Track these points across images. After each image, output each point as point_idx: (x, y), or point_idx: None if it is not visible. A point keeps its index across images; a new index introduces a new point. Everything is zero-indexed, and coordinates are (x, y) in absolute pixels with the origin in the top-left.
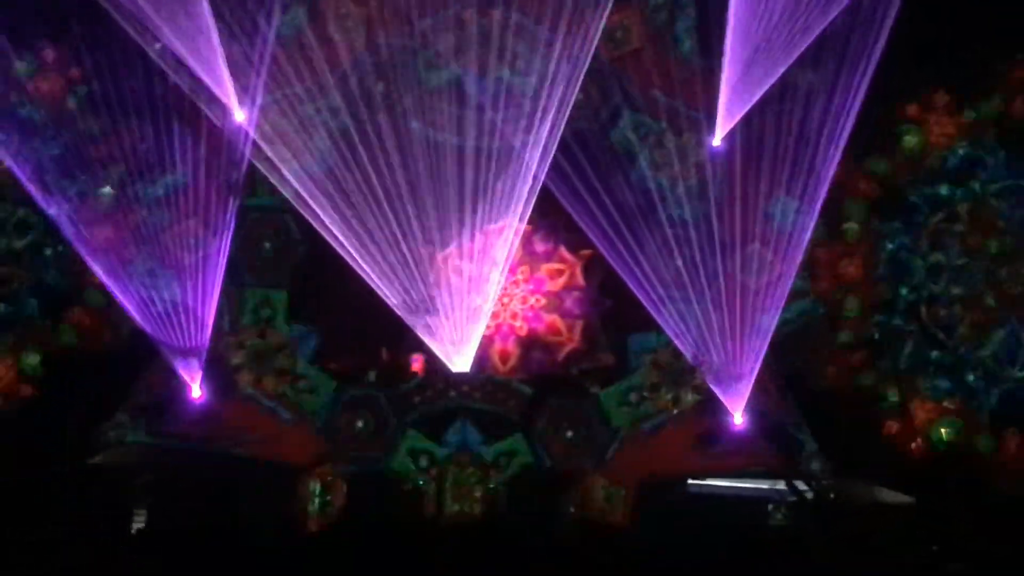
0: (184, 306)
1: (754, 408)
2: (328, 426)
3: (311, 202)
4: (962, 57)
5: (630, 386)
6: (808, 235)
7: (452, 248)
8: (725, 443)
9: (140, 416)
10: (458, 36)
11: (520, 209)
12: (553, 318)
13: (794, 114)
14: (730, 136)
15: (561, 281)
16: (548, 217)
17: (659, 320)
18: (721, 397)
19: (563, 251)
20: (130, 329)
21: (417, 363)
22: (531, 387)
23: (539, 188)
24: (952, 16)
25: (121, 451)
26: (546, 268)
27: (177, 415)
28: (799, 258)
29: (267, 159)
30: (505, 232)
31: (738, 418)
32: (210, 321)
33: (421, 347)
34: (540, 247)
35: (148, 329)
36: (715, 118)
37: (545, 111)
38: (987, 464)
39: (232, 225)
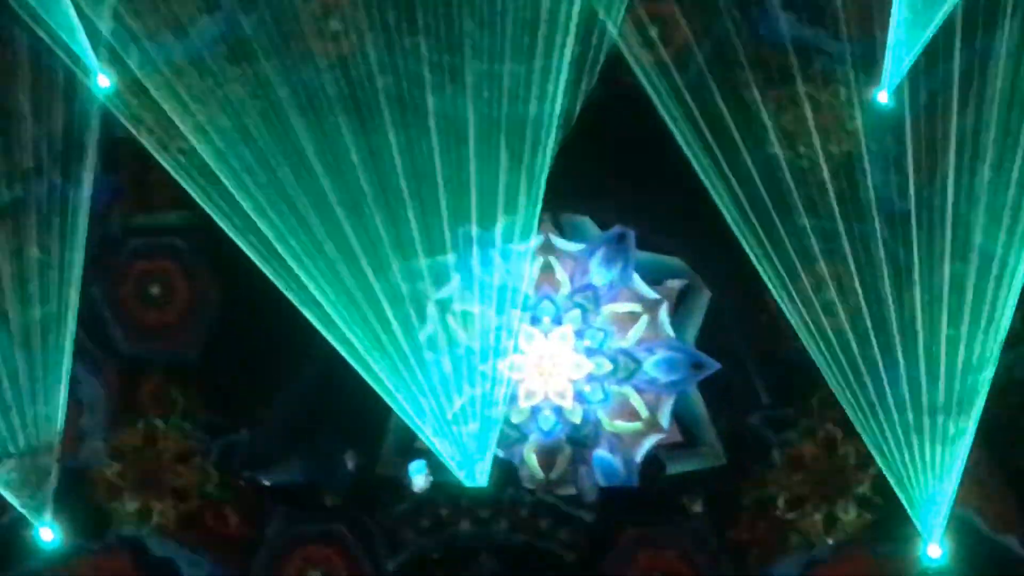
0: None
1: (960, 529)
2: None
3: (228, 217)
4: None
5: (756, 500)
6: None
7: (454, 284)
8: None
9: None
10: None
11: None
12: (625, 392)
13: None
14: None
15: (636, 331)
16: (611, 227)
17: (799, 390)
18: (909, 513)
19: (636, 282)
20: None
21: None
22: (594, 508)
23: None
24: None
25: None
26: (610, 311)
27: (18, 571)
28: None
29: (158, 151)
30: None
31: (935, 548)
32: (59, 417)
33: (410, 447)
34: (599, 276)
35: None
36: (880, 60)
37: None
38: None
39: (83, 253)
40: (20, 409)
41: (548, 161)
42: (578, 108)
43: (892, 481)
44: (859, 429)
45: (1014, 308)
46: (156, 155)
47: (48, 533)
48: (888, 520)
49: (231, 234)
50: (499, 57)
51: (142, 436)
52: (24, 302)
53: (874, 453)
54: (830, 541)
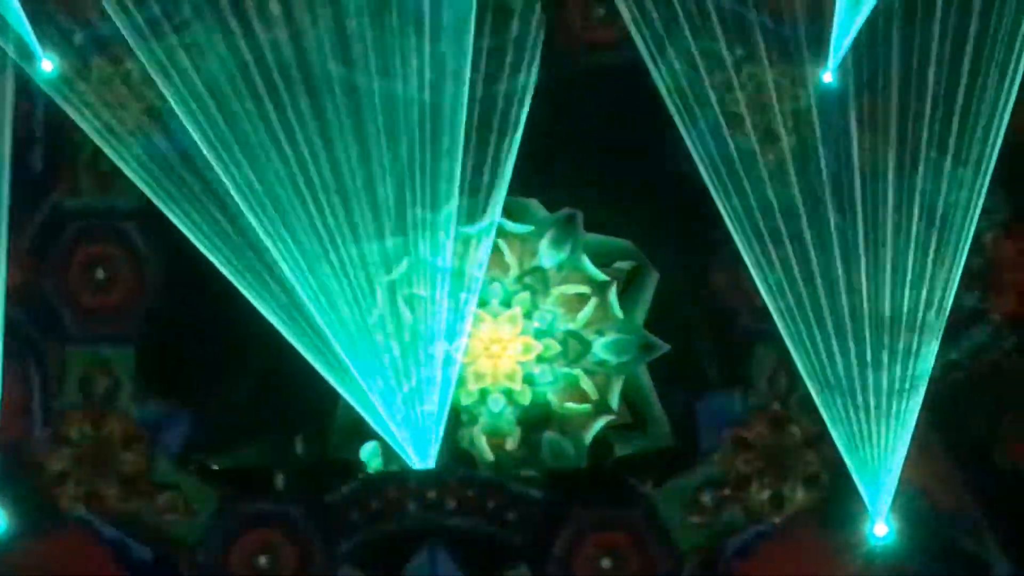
0: None
1: (907, 508)
2: (211, 563)
3: (170, 197)
4: None
5: (703, 480)
6: (974, 218)
7: (404, 266)
8: (860, 566)
9: None
10: None
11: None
12: (574, 375)
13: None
14: (850, 65)
15: (585, 313)
16: (559, 208)
17: (746, 369)
18: (861, 492)
19: (586, 263)
20: None
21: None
22: (542, 489)
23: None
24: None
25: None
26: (559, 293)
27: None
28: (963, 259)
29: (97, 130)
30: (489, 235)
31: (881, 526)
32: None
33: (360, 430)
34: (548, 259)
35: None
36: (825, 37)
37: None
38: None
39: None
40: None
41: (510, 142)
42: (530, 88)
43: (845, 457)
44: (816, 404)
45: (956, 286)
46: (101, 140)
47: None
48: (835, 499)
49: (176, 219)
50: (455, 35)
51: (88, 422)
52: None
53: (828, 429)
54: (776, 520)
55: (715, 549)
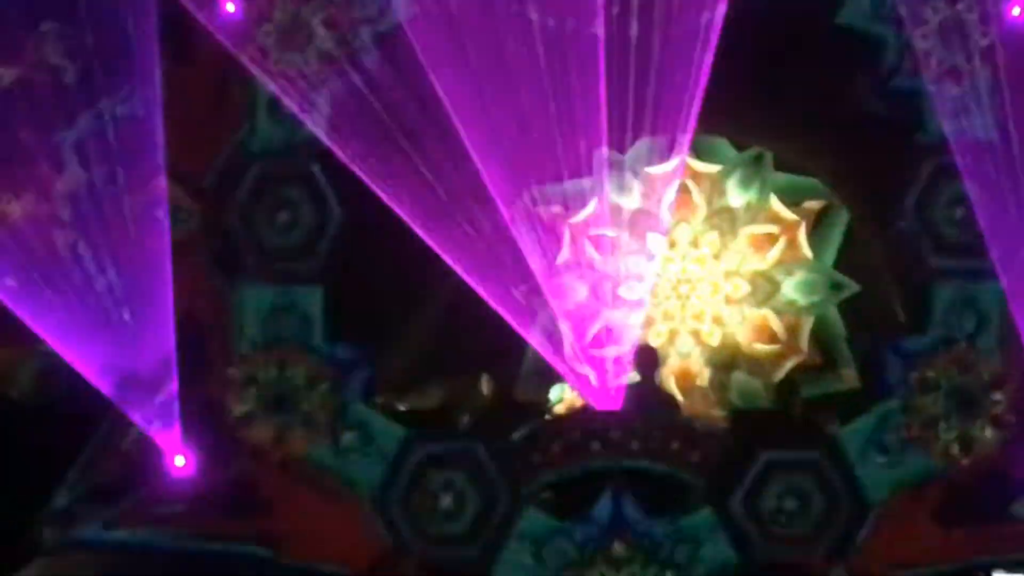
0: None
1: None
2: (394, 505)
3: (354, 139)
4: None
5: (889, 421)
6: None
7: (590, 210)
8: None
9: (92, 500)
10: None
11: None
12: (763, 316)
13: None
14: None
15: (775, 253)
16: (749, 146)
17: (934, 309)
18: None
19: (774, 203)
20: (39, 367)
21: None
22: (726, 429)
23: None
24: None
25: (60, 561)
26: (748, 233)
27: (151, 498)
28: None
29: (280, 73)
30: (677, 175)
31: None
32: (170, 343)
33: (547, 372)
34: (737, 198)
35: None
36: None
37: None
38: None
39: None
40: (131, 334)
41: (697, 80)
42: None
43: None
44: (1002, 344)
45: None
46: (283, 81)
47: (181, 460)
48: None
49: (358, 161)
50: None
51: (273, 363)
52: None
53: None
54: (965, 462)
55: (900, 490)
